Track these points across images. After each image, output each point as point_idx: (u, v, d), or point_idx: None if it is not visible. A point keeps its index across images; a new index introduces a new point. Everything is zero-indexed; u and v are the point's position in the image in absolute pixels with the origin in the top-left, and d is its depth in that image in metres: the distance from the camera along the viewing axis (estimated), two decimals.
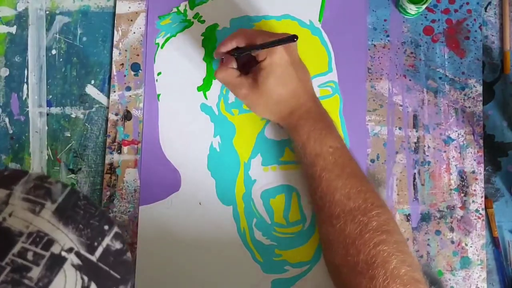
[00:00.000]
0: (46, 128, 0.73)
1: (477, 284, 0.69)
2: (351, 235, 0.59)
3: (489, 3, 0.74)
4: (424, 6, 0.70)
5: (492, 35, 0.74)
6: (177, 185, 0.71)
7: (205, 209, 0.70)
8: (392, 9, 0.74)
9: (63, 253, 0.37)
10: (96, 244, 0.39)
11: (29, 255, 0.36)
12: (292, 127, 0.64)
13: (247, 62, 0.66)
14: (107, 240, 0.40)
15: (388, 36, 0.73)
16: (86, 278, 0.38)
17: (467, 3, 0.74)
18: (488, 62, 0.73)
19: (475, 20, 0.73)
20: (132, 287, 0.41)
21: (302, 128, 0.63)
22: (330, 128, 0.64)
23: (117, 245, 0.41)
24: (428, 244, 0.69)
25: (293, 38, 0.58)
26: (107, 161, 0.71)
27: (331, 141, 0.62)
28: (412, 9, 0.71)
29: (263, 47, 0.61)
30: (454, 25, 0.73)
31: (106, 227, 0.40)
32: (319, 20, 0.74)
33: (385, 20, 0.74)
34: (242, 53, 0.64)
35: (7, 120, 0.73)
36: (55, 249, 0.37)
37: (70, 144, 0.73)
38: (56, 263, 0.37)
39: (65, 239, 0.38)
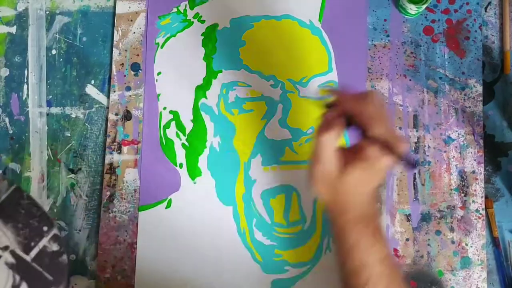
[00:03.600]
0: (46, 128, 0.73)
1: (477, 284, 0.68)
2: None
3: (489, 3, 0.74)
4: (424, 6, 0.70)
5: (492, 35, 0.74)
6: (177, 185, 0.71)
7: (205, 209, 0.70)
8: (392, 9, 0.74)
9: None
10: (33, 244, 0.40)
11: None
12: (341, 227, 0.55)
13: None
14: (44, 241, 0.40)
15: (388, 36, 0.73)
16: (17, 277, 0.38)
17: (467, 3, 0.74)
18: (488, 62, 0.73)
19: (475, 20, 0.73)
20: None
21: (352, 231, 0.54)
22: (379, 233, 0.55)
23: (54, 247, 0.41)
24: (428, 244, 0.69)
25: (414, 164, 0.50)
26: (107, 161, 0.71)
27: (379, 249, 0.54)
28: (412, 9, 0.71)
29: (383, 145, 0.50)
30: (454, 25, 0.73)
31: (45, 228, 0.41)
32: (319, 20, 0.74)
33: (385, 20, 0.74)
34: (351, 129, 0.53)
35: (7, 120, 0.73)
36: None
37: (70, 144, 0.73)
38: None
39: (2, 237, 0.38)
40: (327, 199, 0.55)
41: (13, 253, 0.38)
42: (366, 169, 0.52)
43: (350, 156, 0.53)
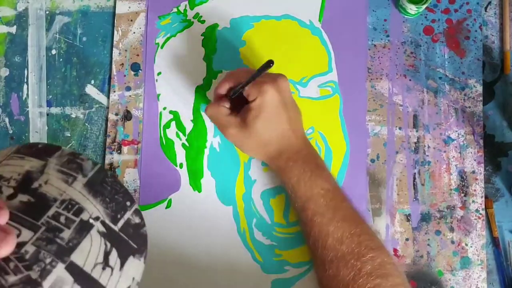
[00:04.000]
0: (46, 128, 0.73)
1: (477, 284, 0.69)
2: (344, 281, 0.57)
3: (489, 3, 0.74)
4: (424, 6, 0.70)
5: (492, 35, 0.74)
6: (177, 185, 0.71)
7: (205, 210, 0.70)
8: (392, 9, 0.74)
9: (91, 220, 0.41)
10: (119, 216, 0.43)
11: (62, 219, 0.40)
12: (281, 169, 0.62)
13: (241, 105, 0.64)
14: (128, 214, 0.44)
15: (388, 36, 0.73)
16: (108, 244, 0.42)
17: (467, 3, 0.74)
18: (488, 62, 0.73)
19: (475, 20, 0.73)
20: (145, 257, 0.45)
21: (291, 170, 0.61)
22: (320, 169, 0.62)
23: (136, 220, 0.45)
24: (428, 244, 0.69)
25: (268, 64, 0.56)
26: (107, 161, 0.71)
27: (322, 183, 0.61)
28: (412, 9, 0.71)
29: (247, 84, 0.60)
30: (454, 25, 0.73)
31: (128, 203, 0.44)
32: (319, 20, 0.74)
33: (385, 20, 0.74)
34: (234, 94, 0.63)
35: (7, 120, 0.73)
36: (84, 216, 0.41)
37: (70, 144, 0.73)
38: (84, 228, 0.41)
39: (93, 209, 0.42)
40: (257, 153, 0.64)
41: (103, 223, 0.42)
42: (260, 113, 0.60)
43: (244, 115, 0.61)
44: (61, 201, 0.41)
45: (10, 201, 0.40)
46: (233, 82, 0.63)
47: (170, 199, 0.71)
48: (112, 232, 0.42)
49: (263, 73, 0.58)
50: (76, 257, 0.39)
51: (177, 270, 0.69)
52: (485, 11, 0.74)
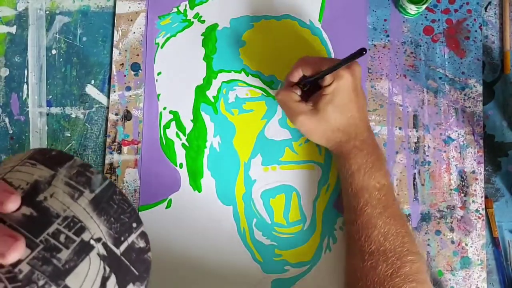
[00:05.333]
0: (46, 128, 0.73)
1: (477, 284, 0.69)
2: (381, 275, 0.58)
3: (489, 3, 0.74)
4: (424, 6, 0.70)
5: (492, 35, 0.74)
6: (177, 185, 0.71)
7: (205, 210, 0.70)
8: (392, 9, 0.74)
9: (92, 242, 0.39)
10: (122, 238, 0.41)
11: (62, 237, 0.38)
12: (345, 155, 0.63)
13: (310, 92, 0.64)
14: (133, 237, 0.42)
15: (388, 36, 0.73)
16: (108, 269, 0.39)
17: (467, 3, 0.74)
18: (488, 62, 0.73)
19: (475, 20, 0.73)
20: (146, 286, 0.42)
21: (355, 157, 0.62)
22: (381, 163, 0.63)
23: (141, 244, 0.42)
24: (428, 244, 0.69)
25: (361, 52, 0.55)
26: (107, 161, 0.71)
27: (379, 177, 0.62)
28: (412, 9, 0.71)
29: (329, 71, 0.59)
30: (454, 25, 0.73)
31: (134, 225, 0.42)
32: (319, 20, 0.74)
33: (385, 20, 0.74)
34: (309, 82, 0.63)
35: (7, 120, 0.73)
36: (85, 236, 0.39)
37: (70, 144, 0.73)
38: (84, 249, 0.39)
39: (96, 229, 0.40)
40: (325, 139, 0.64)
41: (105, 245, 0.40)
42: (333, 98, 0.60)
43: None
44: (63, 217, 0.39)
45: (13, 213, 0.38)
46: (309, 70, 0.62)
47: (170, 199, 0.71)
48: (113, 256, 0.40)
49: (353, 59, 0.57)
50: (71, 281, 0.37)
51: (177, 270, 0.69)
52: (485, 11, 0.74)
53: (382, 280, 0.57)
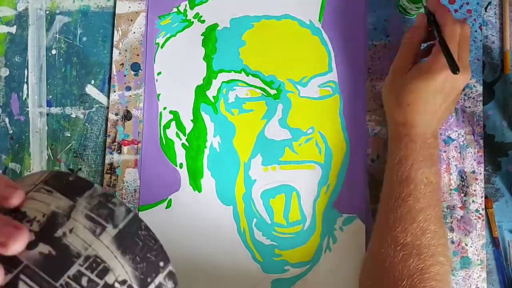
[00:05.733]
0: (46, 128, 0.73)
1: (477, 284, 0.69)
2: (411, 268, 0.57)
3: (489, 3, 0.74)
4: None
5: (492, 35, 0.74)
6: (177, 185, 0.71)
7: (205, 210, 0.70)
8: (392, 9, 0.74)
9: (116, 285, 0.36)
10: (149, 280, 0.37)
11: (84, 281, 0.35)
12: (409, 138, 0.62)
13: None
14: (160, 278, 0.38)
15: (388, 36, 0.73)
16: None
17: (467, 3, 0.74)
18: (488, 62, 0.73)
19: (475, 20, 0.73)
20: None
21: (415, 144, 0.61)
22: (433, 161, 0.62)
23: (169, 285, 0.39)
24: None
25: (455, 69, 0.56)
26: (107, 161, 0.71)
27: (429, 173, 0.61)
28: (412, 9, 0.71)
29: (441, 44, 0.59)
30: None
31: (161, 264, 0.39)
32: (319, 20, 0.74)
33: (385, 20, 0.74)
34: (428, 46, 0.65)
35: (7, 120, 0.73)
36: (109, 279, 0.35)
37: (70, 144, 0.73)
38: None
39: (121, 270, 0.36)
40: (410, 111, 0.61)
41: None
42: (427, 80, 0.59)
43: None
44: (85, 257, 0.35)
45: (29, 251, 0.34)
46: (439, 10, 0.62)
47: (170, 199, 0.71)
48: None
49: (448, 60, 0.58)
50: None
51: (177, 270, 0.69)
52: (485, 11, 0.74)
53: (412, 273, 0.57)
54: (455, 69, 0.56)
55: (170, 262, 0.39)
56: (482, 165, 0.71)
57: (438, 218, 0.61)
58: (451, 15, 0.62)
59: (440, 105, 0.62)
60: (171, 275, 0.39)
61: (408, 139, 0.62)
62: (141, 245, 0.38)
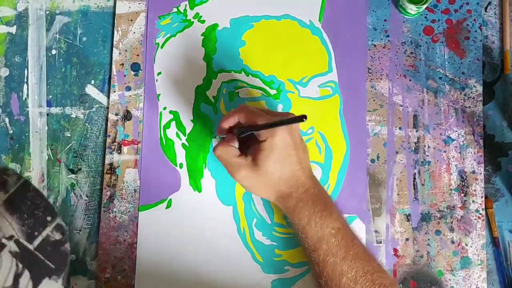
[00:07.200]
0: (46, 128, 0.73)
1: (477, 284, 0.69)
2: None
3: (489, 3, 0.74)
4: (424, 6, 0.70)
5: (492, 35, 0.74)
6: (177, 185, 0.71)
7: (205, 210, 0.70)
8: (392, 9, 0.74)
9: (3, 240, 0.40)
10: (36, 233, 0.42)
11: None
12: (292, 210, 0.61)
13: (248, 141, 0.63)
14: (47, 231, 0.43)
15: (388, 36, 0.73)
16: (20, 266, 0.40)
17: (467, 3, 0.74)
18: (488, 62, 0.73)
19: (475, 20, 0.73)
20: (65, 278, 0.43)
21: (301, 211, 0.60)
22: (330, 207, 0.61)
23: (57, 236, 0.43)
24: (428, 244, 0.69)
25: (301, 118, 0.53)
26: (107, 161, 0.71)
27: (332, 222, 0.60)
28: (412, 9, 0.71)
29: (265, 127, 0.58)
30: (454, 25, 0.73)
31: (49, 218, 0.43)
32: (319, 20, 0.74)
33: (385, 20, 0.74)
34: (244, 132, 0.61)
35: (7, 120, 0.73)
36: None
37: (70, 144, 0.73)
38: None
39: (8, 227, 0.40)
40: (267, 193, 0.62)
41: (17, 242, 0.40)
42: (270, 154, 0.59)
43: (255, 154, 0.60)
44: None
45: None
46: (244, 119, 0.60)
47: (170, 199, 0.71)
48: (26, 252, 0.40)
49: (289, 124, 0.57)
50: None
51: (177, 270, 0.69)
52: (485, 11, 0.74)
53: None
54: (302, 117, 0.53)
55: (58, 216, 0.43)
56: (482, 165, 0.71)
57: (361, 256, 0.60)
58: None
59: (294, 159, 0.60)
60: (59, 227, 0.43)
61: (301, 203, 0.61)
62: (28, 203, 0.42)
